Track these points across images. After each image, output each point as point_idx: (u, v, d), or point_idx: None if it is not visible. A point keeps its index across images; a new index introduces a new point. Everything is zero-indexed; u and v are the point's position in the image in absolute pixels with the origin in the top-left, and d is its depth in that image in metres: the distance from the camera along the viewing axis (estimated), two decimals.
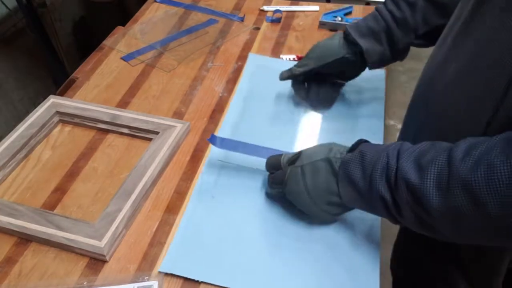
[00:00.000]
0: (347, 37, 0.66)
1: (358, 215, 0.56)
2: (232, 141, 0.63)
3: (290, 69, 0.70)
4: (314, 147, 0.55)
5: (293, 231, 0.56)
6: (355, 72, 0.71)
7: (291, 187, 0.54)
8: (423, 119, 0.54)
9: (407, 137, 0.59)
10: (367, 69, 0.70)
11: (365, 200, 0.48)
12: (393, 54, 0.66)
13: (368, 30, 0.65)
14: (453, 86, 0.47)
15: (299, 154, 0.55)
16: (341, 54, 0.67)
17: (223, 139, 0.63)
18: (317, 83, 0.71)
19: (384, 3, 0.66)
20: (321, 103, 0.73)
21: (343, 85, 0.74)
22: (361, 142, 0.51)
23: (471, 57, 0.44)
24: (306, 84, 0.72)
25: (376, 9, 0.66)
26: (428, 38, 0.65)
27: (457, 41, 0.47)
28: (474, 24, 0.44)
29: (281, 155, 0.57)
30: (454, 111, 0.47)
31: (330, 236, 0.55)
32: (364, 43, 0.65)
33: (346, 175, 0.48)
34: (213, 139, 0.62)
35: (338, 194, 0.50)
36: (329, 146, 0.53)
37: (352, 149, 0.50)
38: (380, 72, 0.81)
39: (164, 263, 0.53)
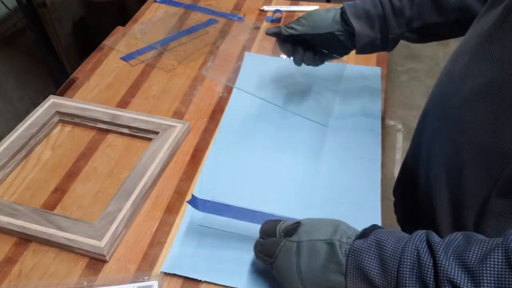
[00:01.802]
0: (342, 14, 0.66)
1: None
2: (216, 204, 0.55)
3: (279, 27, 0.69)
4: (317, 221, 0.46)
5: None
6: (341, 51, 0.70)
7: (281, 264, 0.45)
8: (438, 130, 0.53)
9: (419, 148, 0.58)
10: (363, 67, 0.69)
11: None
12: (383, 42, 0.66)
13: (364, 12, 0.64)
14: (471, 101, 0.45)
15: (298, 225, 0.46)
16: (332, 29, 0.65)
17: (205, 202, 0.55)
18: (303, 48, 0.69)
19: None
20: (306, 64, 0.71)
21: (329, 56, 0.72)
22: (374, 227, 0.43)
23: (491, 73, 0.42)
24: (291, 45, 0.70)
25: None
26: (420, 33, 0.64)
27: (475, 58, 0.46)
28: (495, 41, 0.43)
29: (279, 221, 0.49)
30: (472, 126, 0.45)
31: None
32: (357, 25, 0.64)
33: (358, 268, 0.40)
34: (193, 202, 0.54)
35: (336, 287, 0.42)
36: (335, 224, 0.44)
37: (364, 234, 0.42)
38: (375, 69, 0.82)
39: (166, 264, 0.53)
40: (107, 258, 0.54)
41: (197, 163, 0.66)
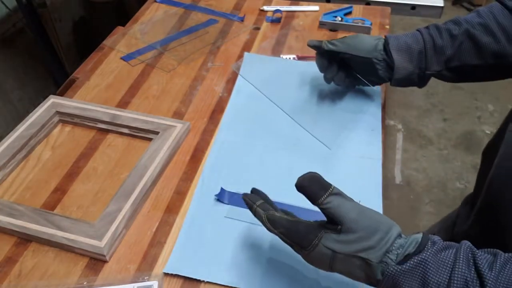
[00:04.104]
0: (385, 45, 0.67)
1: None
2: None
3: (321, 41, 0.70)
4: (362, 223, 0.40)
5: None
6: (374, 79, 0.70)
7: (311, 261, 0.43)
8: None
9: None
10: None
11: None
12: (419, 78, 0.66)
13: (406, 46, 0.65)
14: None
15: (340, 221, 0.41)
16: (371, 56, 0.67)
17: (232, 194, 0.60)
18: (338, 66, 0.71)
19: (426, 27, 0.66)
20: (335, 83, 0.73)
21: (360, 82, 0.72)
22: (419, 251, 0.39)
23: None
24: (327, 61, 0.71)
25: (418, 30, 0.66)
26: (457, 73, 0.65)
27: None
28: None
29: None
30: None
31: None
32: (397, 58, 0.65)
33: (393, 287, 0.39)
34: (221, 194, 0.60)
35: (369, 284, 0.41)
36: (380, 234, 0.40)
37: (408, 257, 0.39)
38: None
39: (169, 264, 0.53)
40: (107, 258, 0.53)
41: (197, 163, 0.66)
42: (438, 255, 0.38)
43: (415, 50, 0.65)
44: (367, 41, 0.68)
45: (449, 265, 0.37)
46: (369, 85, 0.72)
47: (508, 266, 0.36)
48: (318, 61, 0.71)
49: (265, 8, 1.02)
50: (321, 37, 0.91)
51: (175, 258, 0.54)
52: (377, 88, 0.78)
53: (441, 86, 2.23)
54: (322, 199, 0.42)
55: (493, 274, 0.35)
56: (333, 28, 0.94)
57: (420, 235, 0.40)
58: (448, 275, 0.36)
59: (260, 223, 0.46)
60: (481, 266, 0.36)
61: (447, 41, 0.63)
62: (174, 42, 0.92)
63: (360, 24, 0.93)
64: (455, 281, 0.36)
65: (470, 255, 0.38)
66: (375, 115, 0.73)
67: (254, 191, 0.51)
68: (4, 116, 1.63)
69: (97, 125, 0.71)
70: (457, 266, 0.36)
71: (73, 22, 1.96)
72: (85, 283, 0.52)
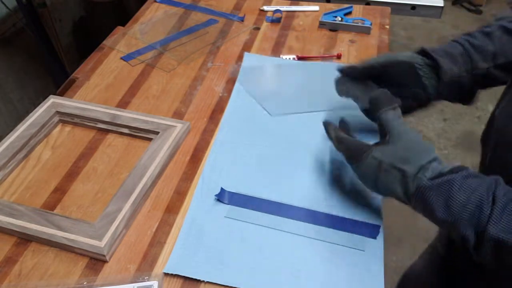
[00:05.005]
0: (421, 52, 0.62)
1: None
2: (242, 196, 0.60)
3: (351, 65, 0.65)
4: (408, 146, 0.49)
5: (296, 230, 0.56)
6: (416, 90, 0.62)
7: (361, 173, 0.53)
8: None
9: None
10: None
11: (445, 227, 0.46)
12: (471, 79, 0.61)
13: (445, 52, 0.60)
14: None
15: (389, 131, 0.50)
16: (412, 60, 0.61)
17: (232, 194, 0.60)
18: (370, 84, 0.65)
19: (457, 37, 0.63)
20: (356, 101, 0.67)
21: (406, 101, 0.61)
22: (452, 172, 0.45)
23: None
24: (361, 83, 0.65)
25: (450, 40, 0.63)
26: (507, 71, 0.60)
27: None
28: None
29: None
30: None
31: (335, 236, 0.55)
32: (440, 59, 0.60)
33: (422, 201, 0.46)
34: (221, 194, 0.60)
35: (405, 202, 0.49)
36: (421, 156, 0.47)
37: (440, 175, 0.45)
38: None
39: (169, 264, 0.53)
40: (107, 258, 0.54)
41: (197, 163, 0.66)
42: (466, 180, 0.43)
43: (455, 53, 0.60)
44: (401, 52, 0.63)
45: (472, 189, 0.43)
46: (413, 110, 0.64)
47: None
48: (337, 86, 0.65)
49: (265, 8, 1.02)
50: (321, 37, 0.91)
51: (175, 258, 0.54)
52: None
53: None
54: (384, 109, 0.51)
55: (504, 199, 0.41)
56: (333, 28, 0.94)
57: (458, 163, 0.46)
58: (469, 196, 0.42)
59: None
60: (498, 192, 0.41)
61: (483, 40, 0.60)
62: (174, 42, 0.92)
63: (360, 24, 0.93)
64: (472, 199, 0.42)
65: (493, 184, 0.43)
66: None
67: (341, 121, 0.61)
68: (4, 116, 1.64)
69: (97, 125, 0.71)
70: (478, 189, 0.42)
71: (73, 22, 1.96)
72: (85, 283, 0.52)
